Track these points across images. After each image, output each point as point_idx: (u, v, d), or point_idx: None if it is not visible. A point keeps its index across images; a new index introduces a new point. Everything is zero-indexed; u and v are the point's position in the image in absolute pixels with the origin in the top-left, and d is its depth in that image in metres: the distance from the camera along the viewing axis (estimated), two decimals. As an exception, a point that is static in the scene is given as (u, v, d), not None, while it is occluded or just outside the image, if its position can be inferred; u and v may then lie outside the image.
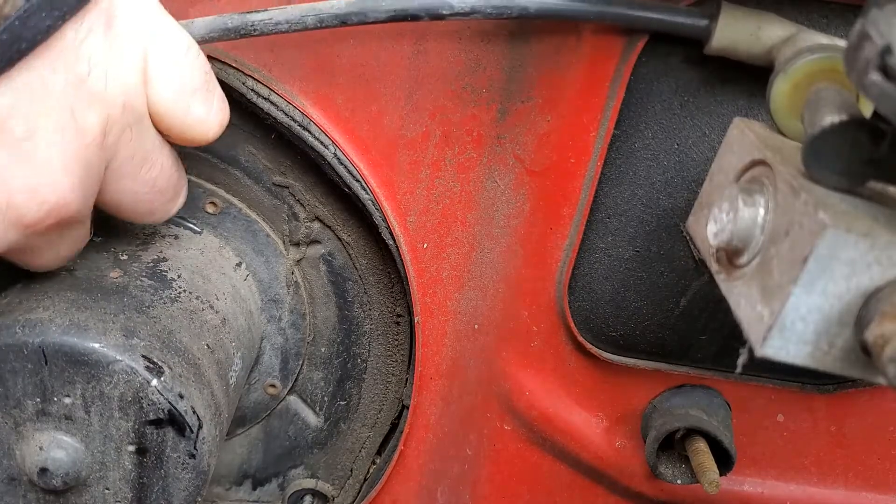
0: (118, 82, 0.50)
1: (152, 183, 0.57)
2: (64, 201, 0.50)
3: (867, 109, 0.51)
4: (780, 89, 0.53)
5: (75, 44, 0.47)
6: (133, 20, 0.51)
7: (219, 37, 0.59)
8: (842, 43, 0.54)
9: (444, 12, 0.58)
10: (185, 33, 0.55)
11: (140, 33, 0.51)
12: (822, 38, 0.55)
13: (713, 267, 0.53)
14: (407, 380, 0.80)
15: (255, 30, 0.59)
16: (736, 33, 0.57)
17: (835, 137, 0.44)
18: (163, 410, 0.57)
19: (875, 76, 0.39)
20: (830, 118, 0.44)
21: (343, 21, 0.59)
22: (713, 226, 0.51)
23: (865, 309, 0.42)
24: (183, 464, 0.59)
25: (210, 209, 0.72)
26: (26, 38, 0.45)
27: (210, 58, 0.63)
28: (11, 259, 0.56)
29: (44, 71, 0.47)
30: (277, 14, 0.59)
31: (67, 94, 0.48)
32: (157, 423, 0.57)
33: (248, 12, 0.59)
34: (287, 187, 0.72)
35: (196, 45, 0.55)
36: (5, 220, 0.48)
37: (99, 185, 0.53)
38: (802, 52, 0.52)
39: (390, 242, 0.72)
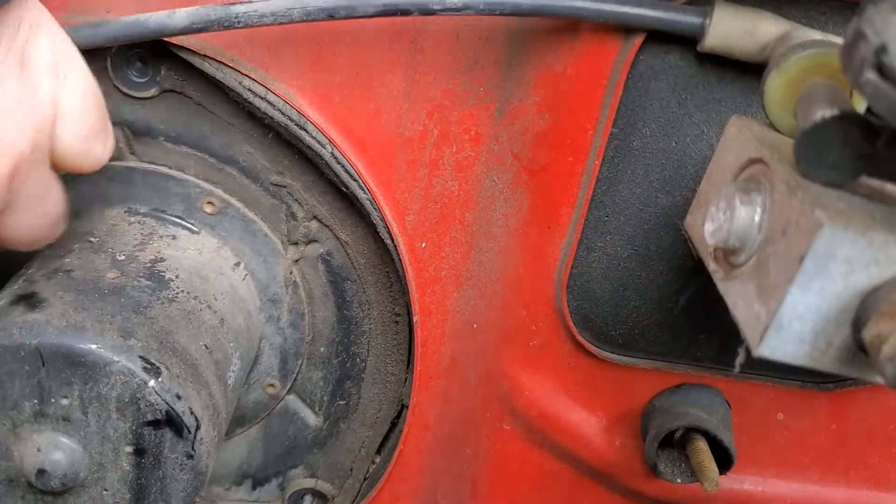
0: (31, 128, 0.49)
1: (45, 215, 0.56)
2: None
3: (860, 106, 0.50)
4: (774, 85, 0.53)
5: None
6: (46, 59, 0.50)
7: (201, 28, 0.59)
8: (836, 39, 0.54)
9: (436, 7, 0.58)
10: (89, 72, 0.54)
11: (51, 73, 0.50)
12: (817, 35, 0.55)
13: (710, 266, 0.53)
14: (406, 379, 0.80)
15: (238, 21, 0.58)
16: (730, 31, 0.57)
17: (826, 132, 0.44)
18: (160, 411, 0.57)
19: (870, 75, 0.38)
20: (822, 113, 0.44)
21: (330, 14, 0.58)
22: (710, 225, 0.51)
23: (863, 308, 0.42)
24: (181, 464, 0.59)
25: (208, 209, 0.72)
26: None
27: (207, 57, 0.64)
28: None
29: None
30: (262, 6, 0.58)
31: None
32: (155, 423, 0.57)
33: (231, 3, 0.59)
34: (285, 186, 0.72)
35: (96, 84, 0.55)
36: None
37: None
38: (796, 48, 0.52)
39: (388, 242, 0.72)
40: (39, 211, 0.56)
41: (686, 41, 0.61)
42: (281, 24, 0.58)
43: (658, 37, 0.61)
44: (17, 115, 0.49)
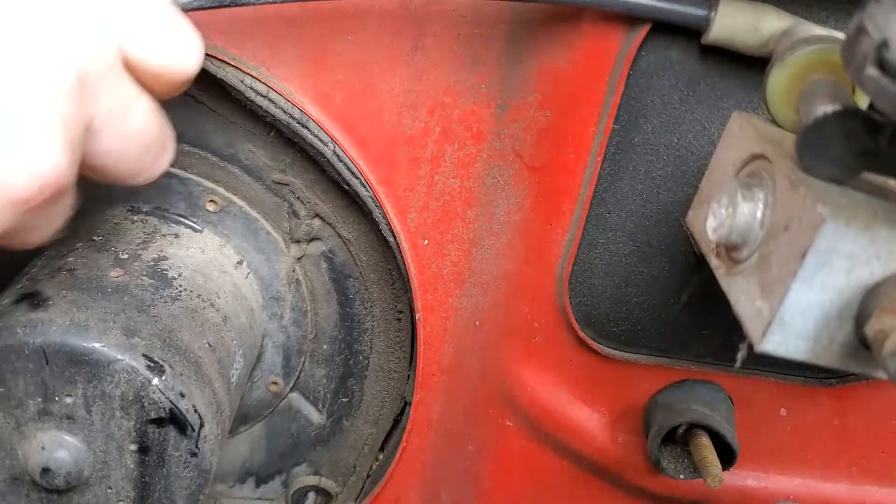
0: (87, 29, 0.47)
1: (137, 136, 0.52)
2: (59, 171, 0.45)
3: (863, 102, 0.50)
4: (777, 80, 0.53)
5: None
6: None
7: (202, 5, 0.57)
8: (840, 35, 0.54)
9: None
10: None
11: None
12: (820, 30, 0.55)
13: (713, 262, 0.53)
14: (409, 376, 0.80)
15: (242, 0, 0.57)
16: (735, 24, 0.57)
17: (829, 127, 0.44)
18: (164, 409, 0.57)
19: (872, 71, 0.39)
20: (824, 108, 0.44)
21: None
22: (712, 221, 0.51)
23: (865, 303, 0.42)
24: (185, 462, 0.59)
25: (210, 207, 0.72)
26: None
27: (208, 56, 0.64)
28: (4, 244, 0.51)
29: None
30: None
31: (34, 46, 0.44)
32: (159, 421, 0.58)
33: None
34: (287, 185, 0.72)
35: None
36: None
37: (82, 148, 0.48)
38: (799, 43, 0.52)
39: (390, 239, 0.72)
40: (128, 131, 0.51)
41: (689, 35, 0.61)
42: (285, 1, 0.58)
43: (661, 31, 0.61)
44: (68, 17, 0.45)
